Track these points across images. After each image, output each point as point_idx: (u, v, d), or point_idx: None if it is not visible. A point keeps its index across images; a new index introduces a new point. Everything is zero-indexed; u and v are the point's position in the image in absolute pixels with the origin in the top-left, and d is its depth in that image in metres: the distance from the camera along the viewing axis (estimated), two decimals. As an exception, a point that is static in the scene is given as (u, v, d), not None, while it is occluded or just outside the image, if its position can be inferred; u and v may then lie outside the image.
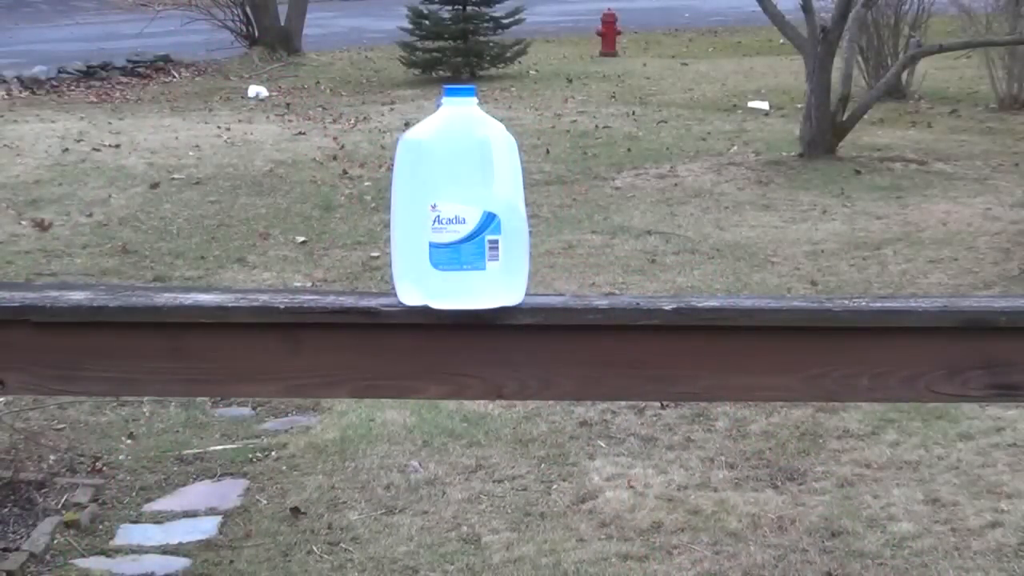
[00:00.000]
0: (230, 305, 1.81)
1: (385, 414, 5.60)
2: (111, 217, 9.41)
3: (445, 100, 1.78)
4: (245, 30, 19.66)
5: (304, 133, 13.06)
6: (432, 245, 1.73)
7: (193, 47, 19.21)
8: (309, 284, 7.78)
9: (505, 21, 17.51)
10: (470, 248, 1.73)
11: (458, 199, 1.73)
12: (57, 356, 1.83)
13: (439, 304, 1.75)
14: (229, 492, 5.02)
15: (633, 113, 13.99)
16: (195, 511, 4.86)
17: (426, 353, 1.81)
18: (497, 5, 17.52)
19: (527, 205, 1.85)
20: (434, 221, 1.73)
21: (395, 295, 1.80)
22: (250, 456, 5.33)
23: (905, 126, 13.18)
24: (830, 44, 11.26)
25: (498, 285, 1.76)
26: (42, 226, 9.04)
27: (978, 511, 4.62)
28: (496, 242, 1.74)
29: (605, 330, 1.80)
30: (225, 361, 1.85)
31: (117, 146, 12.15)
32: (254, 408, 5.91)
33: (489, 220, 1.73)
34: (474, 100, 1.77)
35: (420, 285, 1.76)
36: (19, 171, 10.99)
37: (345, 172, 11.03)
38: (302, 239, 8.86)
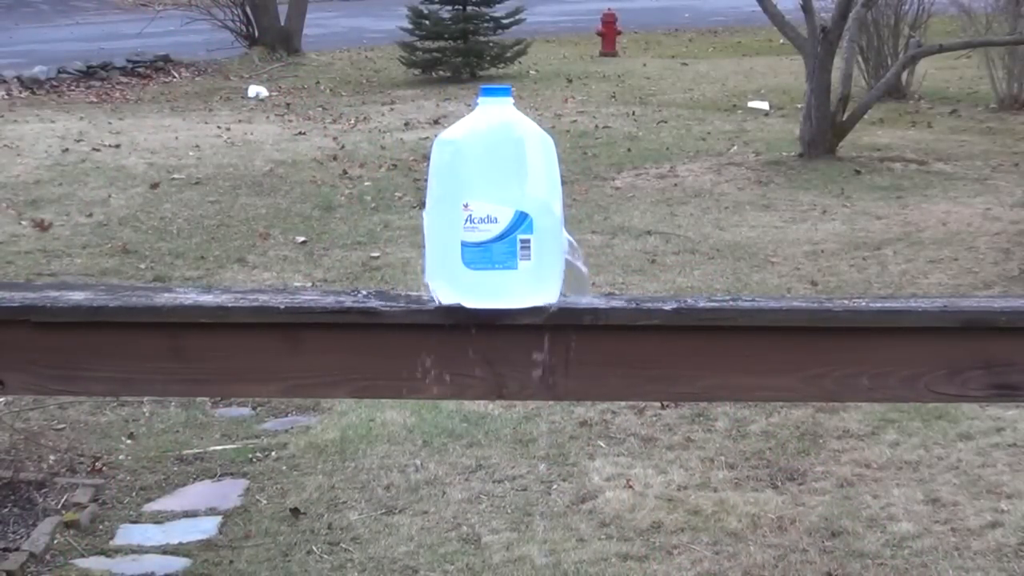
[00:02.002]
0: (230, 305, 1.81)
1: (385, 414, 5.60)
2: (111, 217, 9.42)
3: (481, 100, 1.78)
4: (245, 30, 19.67)
5: (304, 133, 13.06)
6: (464, 244, 1.74)
7: (193, 47, 19.21)
8: (309, 284, 7.78)
9: (505, 21, 17.51)
10: (501, 247, 1.73)
11: (491, 198, 1.73)
12: (57, 356, 1.83)
13: (472, 303, 1.76)
14: (229, 492, 5.03)
15: (633, 113, 13.99)
16: (195, 511, 4.87)
17: (426, 353, 1.81)
18: (497, 5, 17.52)
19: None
20: (466, 220, 1.74)
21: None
22: (250, 456, 5.33)
23: (905, 126, 13.18)
24: (830, 44, 11.26)
25: (530, 285, 1.76)
26: (42, 226, 9.04)
27: (978, 511, 4.62)
28: (528, 241, 1.74)
29: (605, 330, 1.80)
30: (225, 361, 1.85)
31: (117, 146, 12.16)
32: (254, 408, 5.91)
33: (521, 219, 1.73)
34: (510, 100, 1.78)
35: (453, 284, 1.76)
36: (19, 171, 10.99)
37: (345, 172, 11.03)
38: (302, 239, 8.86)
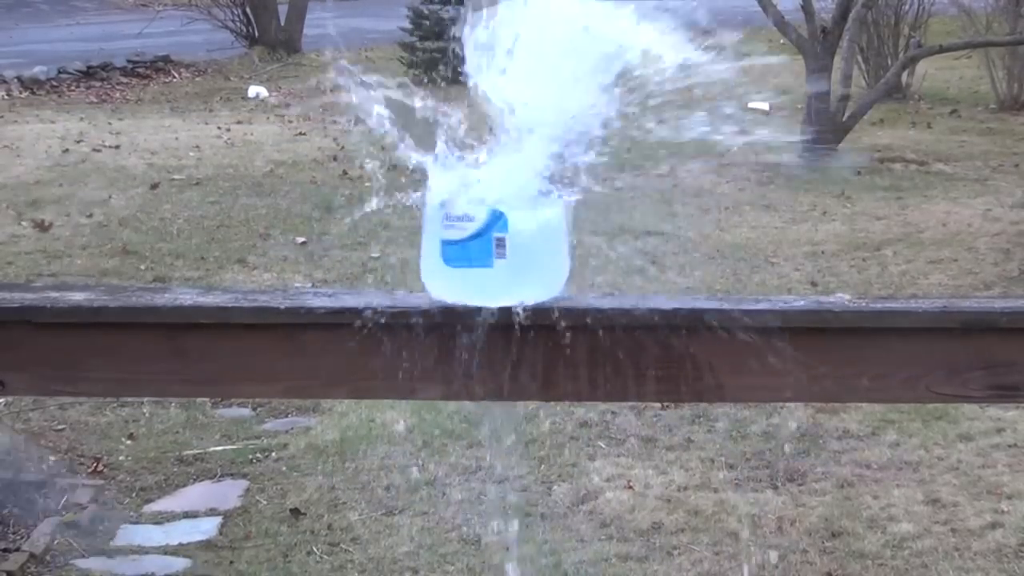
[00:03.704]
0: (230, 306, 1.81)
1: (385, 414, 5.60)
2: (111, 217, 9.41)
3: None
4: (245, 30, 19.65)
5: (304, 133, 13.06)
6: (443, 242, 1.76)
7: (193, 47, 19.20)
8: (309, 284, 7.78)
9: (505, 21, 17.51)
10: (477, 245, 1.75)
11: (468, 196, 1.75)
12: (57, 356, 1.83)
13: (454, 300, 1.77)
14: (229, 493, 5.03)
15: (633, 113, 13.99)
16: (195, 512, 4.87)
17: (425, 353, 1.80)
18: (497, 5, 17.52)
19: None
20: (444, 218, 1.75)
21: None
22: (250, 457, 5.33)
23: (905, 126, 13.18)
24: (830, 44, 11.25)
25: (507, 283, 1.77)
26: (42, 227, 9.04)
27: (978, 512, 4.62)
28: (503, 240, 1.75)
29: (605, 330, 1.80)
30: (225, 361, 1.84)
31: (117, 147, 12.15)
32: (254, 408, 5.91)
33: (496, 218, 1.75)
34: None
35: (437, 281, 1.78)
36: (19, 171, 10.99)
37: (345, 173, 11.02)
38: (302, 239, 8.86)
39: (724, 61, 1.76)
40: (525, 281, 1.78)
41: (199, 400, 5.76)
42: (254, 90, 16.29)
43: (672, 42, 1.77)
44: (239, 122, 13.83)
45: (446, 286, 1.78)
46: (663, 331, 1.80)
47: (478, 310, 1.77)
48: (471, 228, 1.75)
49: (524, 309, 1.77)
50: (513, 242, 1.76)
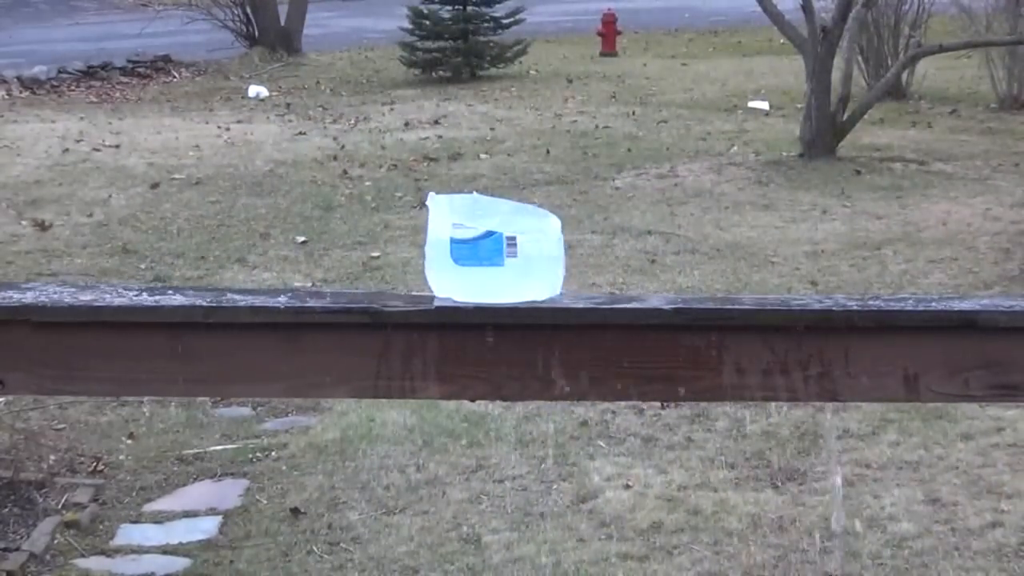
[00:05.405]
0: (230, 305, 1.82)
1: (385, 414, 5.60)
2: (111, 217, 9.42)
3: None
4: (245, 30, 19.65)
5: (304, 133, 13.06)
6: (453, 241, 1.76)
7: (193, 47, 19.21)
8: (309, 284, 7.78)
9: (505, 21, 17.50)
10: (488, 244, 1.76)
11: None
12: (57, 356, 1.83)
13: (462, 298, 1.78)
14: (229, 492, 5.03)
15: (633, 113, 13.98)
16: (195, 511, 4.87)
17: (426, 353, 1.81)
18: (497, 5, 17.51)
19: (533, 204, 1.87)
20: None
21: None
22: (250, 456, 5.34)
23: (905, 126, 13.17)
24: (830, 44, 11.25)
25: (517, 281, 1.77)
26: (42, 226, 9.04)
27: (978, 511, 4.63)
28: (514, 239, 1.76)
29: (605, 330, 1.80)
30: (225, 361, 1.85)
31: (117, 146, 12.16)
32: (254, 408, 5.91)
33: None
34: None
35: (445, 279, 1.78)
36: (19, 171, 10.99)
37: (345, 172, 11.03)
38: (302, 239, 8.86)
39: None
40: (533, 279, 1.79)
41: (199, 400, 5.76)
42: (254, 90, 16.29)
43: None
44: (239, 122, 13.83)
45: (454, 285, 1.78)
46: (663, 330, 1.80)
47: (480, 309, 1.77)
48: (482, 227, 1.76)
49: (528, 307, 1.77)
50: (523, 241, 1.76)
